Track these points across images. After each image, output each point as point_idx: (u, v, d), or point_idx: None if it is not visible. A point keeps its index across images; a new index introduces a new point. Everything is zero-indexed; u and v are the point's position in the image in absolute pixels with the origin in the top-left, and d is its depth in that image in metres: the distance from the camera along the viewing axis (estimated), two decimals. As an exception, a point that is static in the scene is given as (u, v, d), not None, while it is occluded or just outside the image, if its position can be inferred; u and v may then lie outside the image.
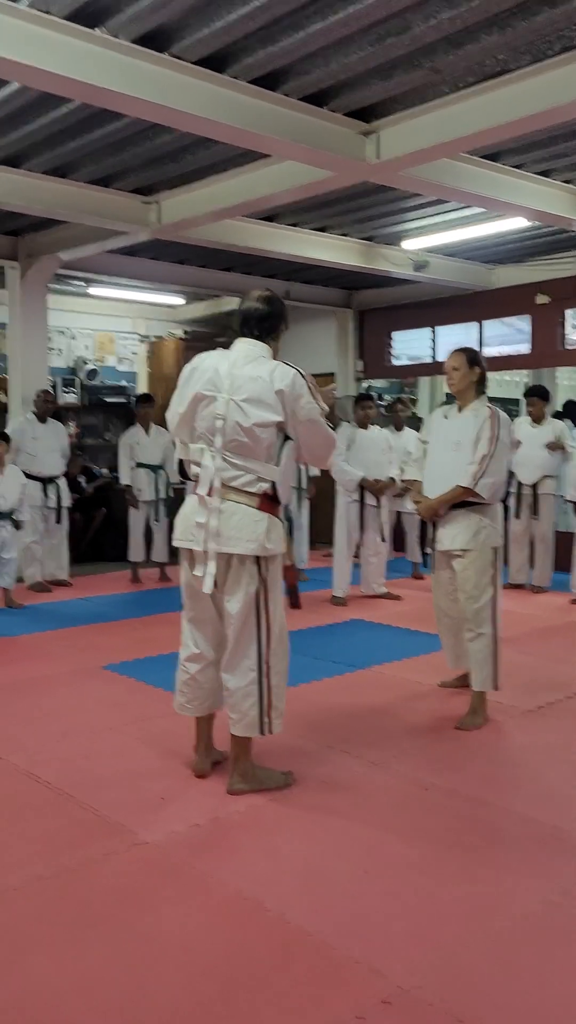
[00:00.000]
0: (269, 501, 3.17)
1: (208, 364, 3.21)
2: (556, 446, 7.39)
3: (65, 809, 3.14)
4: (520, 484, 7.44)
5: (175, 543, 3.32)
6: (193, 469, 3.23)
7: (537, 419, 7.49)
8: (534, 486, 7.46)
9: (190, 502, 3.25)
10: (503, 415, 4.17)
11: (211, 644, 3.32)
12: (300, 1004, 2.06)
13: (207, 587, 3.15)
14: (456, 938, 2.35)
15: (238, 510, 3.13)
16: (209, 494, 3.13)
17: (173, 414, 3.29)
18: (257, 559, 3.15)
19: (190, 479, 3.30)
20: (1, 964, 2.22)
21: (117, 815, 3.07)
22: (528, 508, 7.52)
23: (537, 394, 7.61)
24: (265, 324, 3.27)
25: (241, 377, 3.13)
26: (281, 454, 3.17)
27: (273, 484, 3.17)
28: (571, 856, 2.84)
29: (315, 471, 8.04)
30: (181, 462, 3.35)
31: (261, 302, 3.28)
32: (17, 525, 6.70)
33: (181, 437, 3.28)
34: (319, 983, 2.15)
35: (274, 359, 3.25)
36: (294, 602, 3.78)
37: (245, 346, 3.24)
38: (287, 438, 3.18)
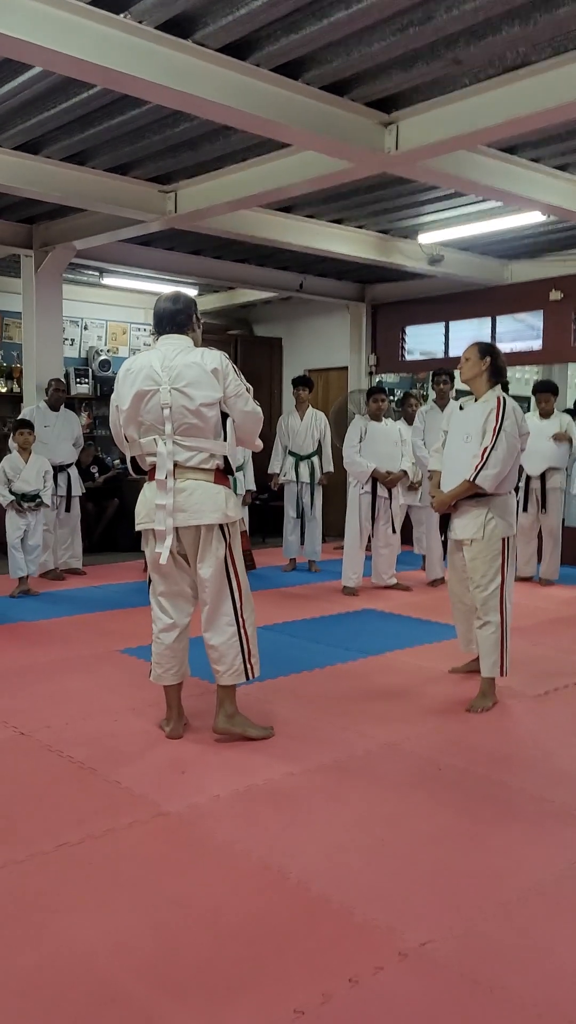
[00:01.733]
0: (222, 474, 3.55)
1: (140, 363, 3.52)
2: (562, 437, 7.42)
3: (89, 782, 3.20)
4: (528, 477, 7.48)
5: (138, 527, 3.63)
6: (148, 460, 3.54)
7: (546, 415, 7.53)
8: (541, 478, 7.49)
9: (149, 488, 3.55)
10: (511, 404, 4.19)
11: (183, 613, 3.66)
12: (323, 961, 2.12)
13: (163, 559, 3.47)
14: (470, 904, 2.40)
15: (198, 487, 3.47)
16: (166, 477, 3.44)
17: (116, 415, 3.60)
18: (222, 527, 3.50)
19: (144, 472, 3.61)
20: (35, 925, 2.28)
21: (140, 788, 3.14)
22: (536, 502, 7.56)
23: (547, 389, 7.64)
24: (178, 319, 3.60)
25: (177, 367, 3.45)
26: (226, 430, 3.52)
27: (224, 458, 3.52)
28: (584, 832, 2.89)
29: (329, 466, 8.11)
30: (134, 459, 3.65)
31: (171, 302, 3.64)
32: (40, 505, 6.85)
33: (129, 434, 3.56)
34: (340, 943, 2.20)
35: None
36: (248, 563, 4.04)
37: (171, 341, 3.57)
38: (226, 416, 3.54)
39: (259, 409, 3.66)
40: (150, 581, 3.70)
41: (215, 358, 3.49)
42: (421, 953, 2.16)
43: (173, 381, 3.42)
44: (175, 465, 3.46)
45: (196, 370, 3.43)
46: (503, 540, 4.17)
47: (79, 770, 3.31)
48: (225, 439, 3.52)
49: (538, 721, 4.03)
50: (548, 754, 3.59)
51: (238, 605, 3.56)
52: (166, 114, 5.14)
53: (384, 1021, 1.91)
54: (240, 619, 3.57)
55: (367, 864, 2.62)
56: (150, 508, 3.52)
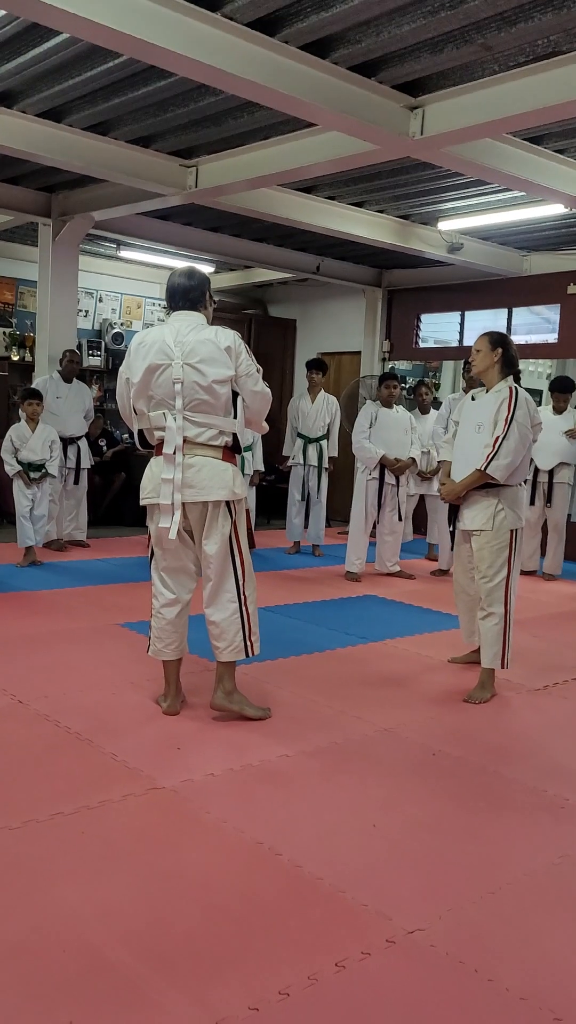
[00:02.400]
0: (230, 452, 3.55)
1: (153, 337, 3.51)
2: (574, 433, 7.40)
3: (85, 754, 3.22)
4: (537, 470, 7.46)
5: (144, 502, 3.62)
6: (156, 434, 3.54)
7: (559, 411, 7.51)
8: (550, 473, 7.48)
9: (156, 463, 3.55)
10: (523, 395, 4.17)
11: (184, 588, 3.67)
12: (311, 942, 2.14)
13: (172, 534, 3.46)
14: (460, 891, 2.42)
15: (206, 463, 3.48)
16: (174, 452, 3.44)
17: (125, 388, 3.60)
18: (228, 504, 3.52)
19: (151, 446, 3.62)
20: (27, 892, 2.30)
21: (135, 761, 3.15)
22: (543, 496, 7.55)
23: (564, 389, 7.60)
24: (192, 295, 3.60)
25: (190, 343, 3.45)
26: (236, 408, 3.55)
27: (234, 436, 3.53)
28: (572, 824, 2.91)
29: (334, 451, 8.08)
30: (141, 432, 3.63)
31: (185, 277, 3.62)
32: (46, 476, 6.87)
33: (138, 407, 3.56)
34: (329, 924, 2.22)
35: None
36: (250, 541, 4.08)
37: (184, 317, 3.58)
38: (236, 394, 3.55)
39: (268, 390, 3.69)
40: (152, 556, 3.70)
41: (228, 336, 3.50)
42: (409, 940, 2.17)
43: (186, 356, 3.42)
44: (184, 440, 3.46)
45: (210, 347, 3.44)
46: (511, 532, 4.16)
47: (76, 741, 3.33)
48: (235, 417, 3.54)
49: (536, 714, 4.04)
50: (544, 747, 3.60)
51: (241, 583, 3.58)
52: (191, 87, 5.10)
53: (369, 1007, 1.92)
54: (242, 596, 3.59)
55: (359, 847, 2.64)
56: (156, 483, 3.52)
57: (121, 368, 3.65)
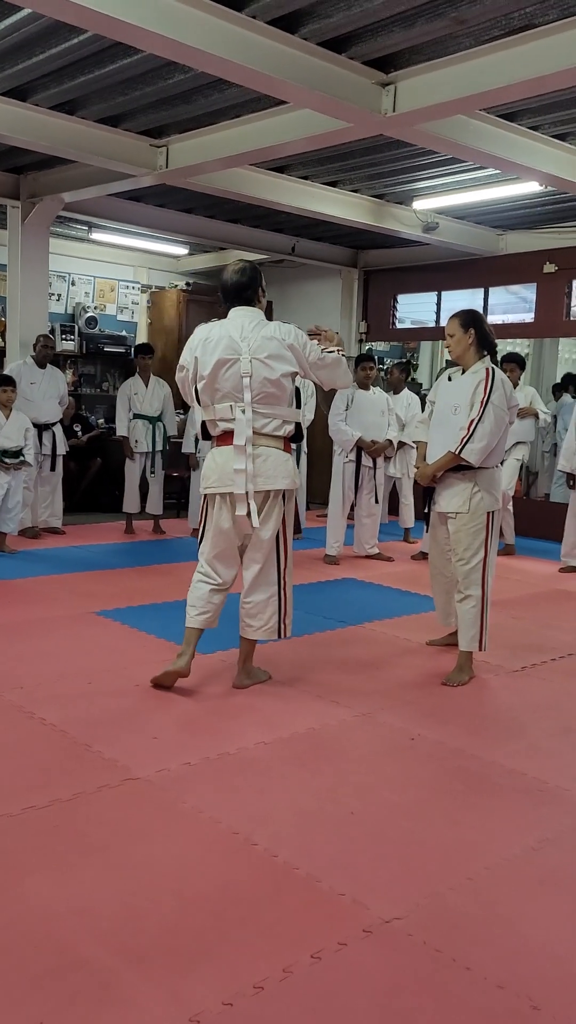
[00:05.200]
0: (289, 442, 3.77)
1: (218, 333, 3.67)
2: (527, 412, 7.32)
3: (60, 744, 3.18)
4: None
5: (210, 491, 3.74)
6: (220, 426, 3.70)
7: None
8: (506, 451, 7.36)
9: (223, 452, 3.70)
10: (500, 376, 4.13)
11: (230, 573, 3.83)
12: (287, 933, 2.11)
13: (255, 522, 3.65)
14: (438, 878, 2.40)
15: (271, 453, 3.68)
16: (245, 443, 3.61)
17: (186, 383, 3.77)
18: (283, 492, 3.72)
19: (212, 437, 3.79)
20: (-3, 886, 2.25)
21: (110, 752, 3.11)
22: None
23: (515, 360, 7.50)
24: (246, 294, 3.76)
25: (257, 339, 3.64)
26: (298, 399, 3.79)
27: (296, 425, 3.75)
28: (552, 806, 2.90)
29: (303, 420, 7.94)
30: (203, 424, 3.80)
31: (239, 274, 3.76)
32: (23, 464, 6.76)
33: (203, 400, 3.72)
34: (305, 914, 2.20)
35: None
36: (297, 528, 4.22)
37: (244, 313, 3.74)
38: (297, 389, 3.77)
39: (334, 354, 3.78)
40: (201, 542, 3.84)
41: (290, 333, 3.71)
42: (386, 929, 2.15)
43: (254, 352, 3.61)
44: (252, 432, 3.63)
45: (275, 344, 3.65)
46: (488, 514, 4.14)
47: (50, 732, 3.28)
48: (298, 406, 3.78)
49: (514, 696, 4.03)
50: (522, 729, 3.59)
51: (282, 567, 3.78)
52: (159, 64, 4.99)
53: (344, 999, 1.90)
54: (283, 580, 3.79)
55: (336, 835, 2.61)
56: (223, 473, 3.67)
57: (180, 362, 3.78)
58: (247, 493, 3.63)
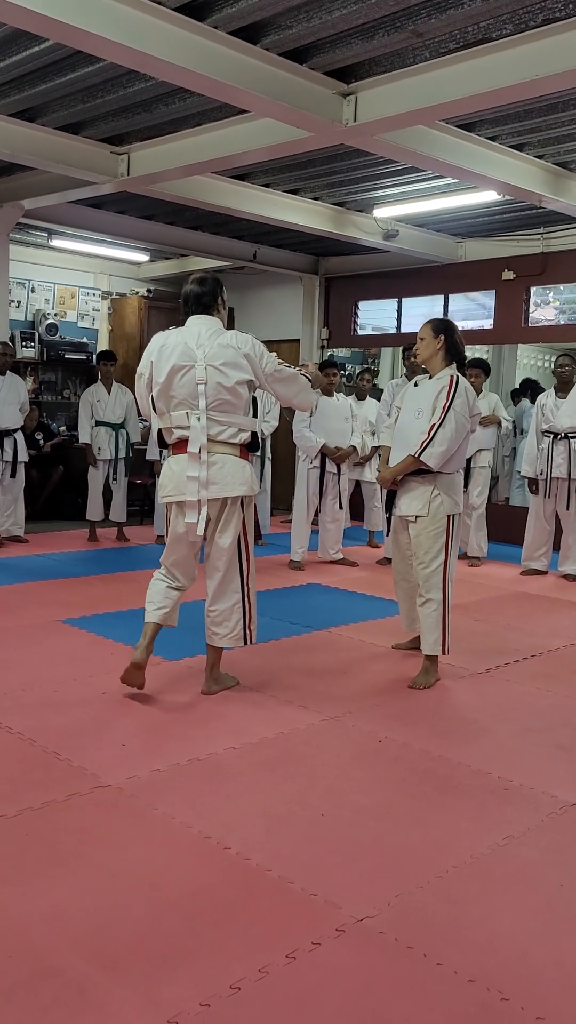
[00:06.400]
0: (247, 450, 3.76)
1: (175, 340, 3.67)
2: (490, 420, 7.41)
3: (28, 754, 3.16)
4: None
5: (166, 499, 3.78)
6: (176, 433, 3.70)
7: (475, 392, 7.43)
8: (469, 460, 7.40)
9: (179, 460, 3.70)
10: (464, 384, 4.20)
11: (188, 577, 3.88)
12: (261, 934, 2.13)
13: (200, 530, 3.64)
14: (408, 877, 2.44)
15: (227, 460, 3.67)
16: (199, 451, 3.61)
17: (143, 390, 3.77)
18: (241, 499, 3.72)
19: (169, 445, 3.78)
20: (-34, 896, 2.24)
21: (79, 760, 3.10)
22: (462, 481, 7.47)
23: (480, 366, 7.59)
24: (204, 300, 3.77)
25: (213, 346, 3.64)
26: (255, 407, 3.79)
27: (252, 433, 3.74)
28: (516, 804, 2.95)
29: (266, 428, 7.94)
30: (160, 432, 3.79)
31: (197, 284, 3.79)
32: None
33: (159, 407, 3.72)
34: (279, 916, 2.22)
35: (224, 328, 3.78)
36: (258, 535, 4.24)
37: (202, 321, 3.74)
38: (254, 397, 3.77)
39: (294, 371, 3.86)
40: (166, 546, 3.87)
41: (247, 342, 3.71)
42: (358, 928, 2.18)
43: (209, 359, 3.61)
44: (207, 439, 3.63)
45: (231, 352, 3.64)
46: (448, 517, 4.19)
47: (17, 741, 3.27)
48: (255, 415, 3.77)
49: (479, 698, 4.09)
50: (488, 730, 3.65)
51: (245, 575, 3.80)
52: (120, 73, 5.01)
53: (319, 997, 1.93)
54: (245, 587, 3.80)
55: (307, 838, 2.64)
56: (179, 480, 3.68)
57: (139, 369, 3.79)
58: (199, 501, 3.63)
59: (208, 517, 3.69)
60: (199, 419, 3.61)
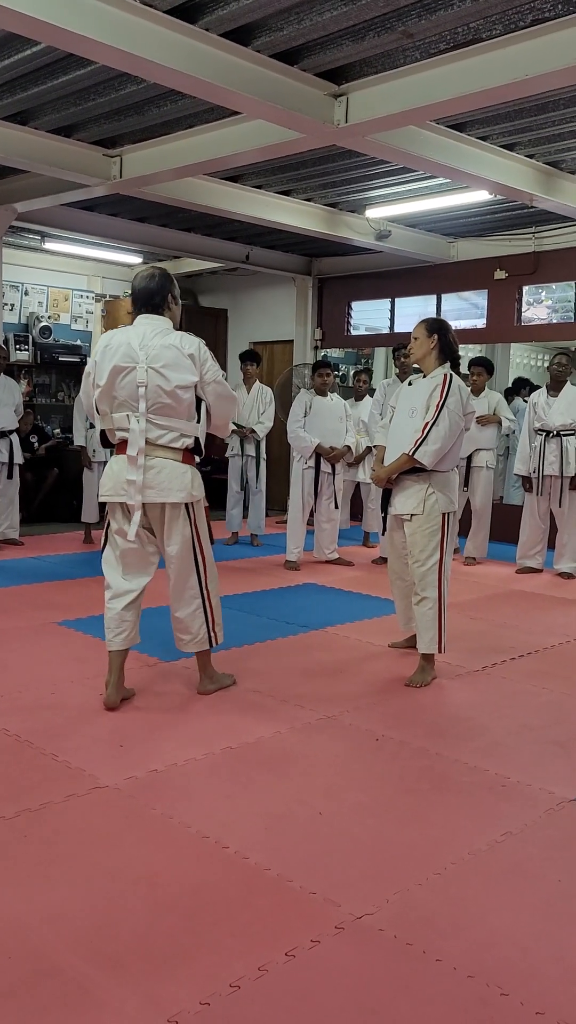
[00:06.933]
0: (191, 454, 3.65)
1: (119, 340, 3.57)
2: (490, 420, 7.45)
3: (26, 755, 3.17)
4: None
5: (104, 499, 3.69)
6: (118, 435, 3.62)
7: (477, 391, 7.51)
8: (468, 459, 7.43)
9: (119, 461, 3.62)
10: (457, 382, 4.21)
11: (138, 579, 3.71)
12: (260, 933, 2.14)
13: (131, 535, 3.58)
14: (406, 874, 2.45)
15: (166, 465, 3.57)
16: (137, 454, 3.52)
17: (90, 388, 3.64)
18: (186, 505, 3.63)
19: (112, 446, 3.70)
20: (-34, 898, 2.25)
21: (77, 761, 3.11)
22: (461, 480, 7.54)
23: (482, 364, 7.64)
24: (154, 300, 3.66)
25: (155, 347, 3.53)
26: (200, 412, 3.65)
27: (196, 439, 3.64)
28: (513, 801, 2.96)
29: (261, 428, 7.96)
30: (103, 432, 3.70)
31: (147, 280, 3.68)
32: None
33: (102, 408, 3.61)
34: (278, 914, 2.23)
35: (176, 329, 3.68)
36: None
37: (149, 321, 3.63)
38: (199, 399, 3.65)
39: (234, 394, 3.83)
40: (104, 549, 3.73)
41: (193, 344, 3.60)
42: (357, 926, 2.19)
43: (150, 361, 3.50)
44: (146, 442, 3.53)
45: (173, 352, 3.53)
46: (443, 516, 4.20)
47: (15, 743, 3.27)
48: (198, 421, 3.64)
49: (475, 696, 4.10)
50: (484, 727, 3.66)
51: (203, 579, 3.73)
52: (112, 76, 5.01)
53: (319, 995, 1.93)
54: (205, 591, 3.75)
55: (305, 836, 2.65)
56: (117, 481, 3.60)
57: (87, 367, 3.67)
58: (132, 505, 3.55)
59: (148, 523, 3.63)
60: (138, 422, 3.51)
